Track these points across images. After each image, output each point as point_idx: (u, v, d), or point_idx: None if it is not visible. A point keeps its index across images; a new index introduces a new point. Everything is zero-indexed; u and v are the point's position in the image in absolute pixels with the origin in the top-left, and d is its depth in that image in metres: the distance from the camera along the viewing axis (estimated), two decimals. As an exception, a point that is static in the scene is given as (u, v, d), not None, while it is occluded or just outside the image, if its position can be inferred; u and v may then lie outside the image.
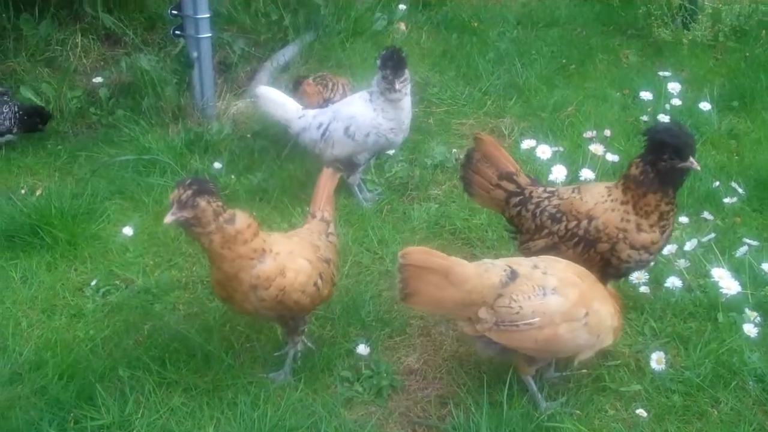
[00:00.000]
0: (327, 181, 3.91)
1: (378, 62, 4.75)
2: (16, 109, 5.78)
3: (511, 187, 3.84)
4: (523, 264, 3.34)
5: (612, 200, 3.57)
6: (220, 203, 3.24)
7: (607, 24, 7.88)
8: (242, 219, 3.29)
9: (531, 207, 3.75)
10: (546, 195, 3.76)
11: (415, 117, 5.93)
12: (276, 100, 5.09)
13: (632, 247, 3.56)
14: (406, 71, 4.78)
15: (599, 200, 3.60)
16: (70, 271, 4.38)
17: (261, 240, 3.33)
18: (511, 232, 3.91)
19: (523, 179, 3.86)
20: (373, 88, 4.81)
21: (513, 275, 3.24)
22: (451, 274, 3.23)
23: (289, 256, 3.38)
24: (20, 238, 4.55)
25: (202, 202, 3.16)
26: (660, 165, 3.48)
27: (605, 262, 3.61)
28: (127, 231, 4.63)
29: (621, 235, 3.54)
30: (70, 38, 7.45)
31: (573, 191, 3.72)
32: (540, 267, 3.31)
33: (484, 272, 3.26)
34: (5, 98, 5.79)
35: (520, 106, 6.19)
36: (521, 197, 3.80)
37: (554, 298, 3.24)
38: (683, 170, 3.52)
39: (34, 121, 5.86)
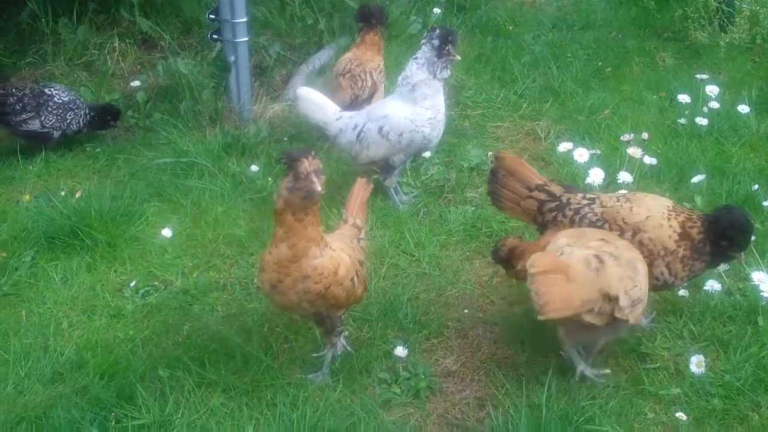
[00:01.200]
0: (360, 190, 3.96)
1: (434, 40, 4.71)
2: (87, 110, 5.92)
3: (544, 196, 3.84)
4: (599, 248, 3.39)
5: (669, 225, 3.59)
6: None
7: (643, 27, 7.82)
8: None
9: (569, 213, 3.74)
10: (586, 202, 3.75)
11: (451, 120, 5.95)
12: (315, 101, 5.09)
13: (668, 267, 3.56)
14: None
15: (654, 215, 3.59)
16: (109, 272, 4.42)
17: (326, 241, 3.39)
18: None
19: (555, 188, 3.85)
20: (412, 77, 4.79)
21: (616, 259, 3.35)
22: (571, 271, 3.28)
23: (339, 252, 3.42)
24: (60, 239, 4.60)
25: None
26: (717, 244, 3.61)
27: None
28: (166, 233, 4.67)
29: (663, 253, 3.54)
30: (108, 42, 7.53)
31: (619, 200, 3.70)
32: (609, 247, 3.40)
33: (600, 264, 3.31)
34: (76, 101, 5.90)
35: (556, 108, 6.17)
36: (557, 203, 3.78)
37: (640, 265, 3.39)
38: (732, 257, 3.71)
39: (105, 120, 6.00)
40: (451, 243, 4.56)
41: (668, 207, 3.66)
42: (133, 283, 4.32)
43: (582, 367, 3.57)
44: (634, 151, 4.96)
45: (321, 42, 7.36)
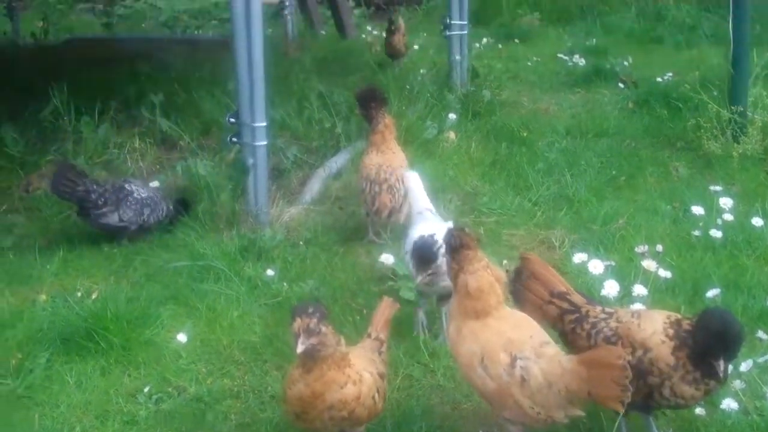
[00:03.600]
0: (387, 308, 4.00)
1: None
2: (164, 205, 6.19)
3: (565, 305, 3.84)
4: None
5: (668, 336, 3.55)
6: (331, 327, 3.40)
7: (656, 136, 7.93)
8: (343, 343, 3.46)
9: (587, 327, 3.73)
10: (604, 316, 3.75)
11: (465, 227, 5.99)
12: (415, 189, 5.12)
13: (671, 389, 3.53)
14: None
15: (657, 330, 3.57)
16: (123, 377, 4.41)
17: (349, 364, 3.42)
18: (564, 344, 3.89)
19: (577, 298, 3.86)
20: None
21: None
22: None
23: (361, 374, 3.45)
24: (76, 341, 4.60)
25: (325, 328, 3.32)
26: (697, 349, 3.46)
27: (650, 393, 3.57)
28: (181, 337, 4.67)
29: (669, 372, 3.51)
30: (128, 142, 7.69)
31: (632, 315, 3.70)
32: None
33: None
34: (154, 197, 6.14)
35: (570, 217, 6.21)
36: (577, 315, 3.79)
37: None
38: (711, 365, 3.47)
39: (178, 211, 6.21)
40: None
41: (668, 317, 3.62)
42: (147, 389, 4.29)
43: None
44: (648, 264, 4.97)
45: (338, 145, 7.48)
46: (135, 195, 6.05)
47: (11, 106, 8.50)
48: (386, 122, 5.98)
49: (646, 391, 3.53)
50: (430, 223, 4.73)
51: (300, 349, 3.25)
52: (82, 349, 4.57)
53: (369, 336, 3.87)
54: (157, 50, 11.81)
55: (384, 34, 10.63)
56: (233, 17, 5.92)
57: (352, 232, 6.07)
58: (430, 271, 4.31)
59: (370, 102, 6.05)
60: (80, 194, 5.94)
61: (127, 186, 6.11)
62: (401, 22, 10.38)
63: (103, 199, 5.95)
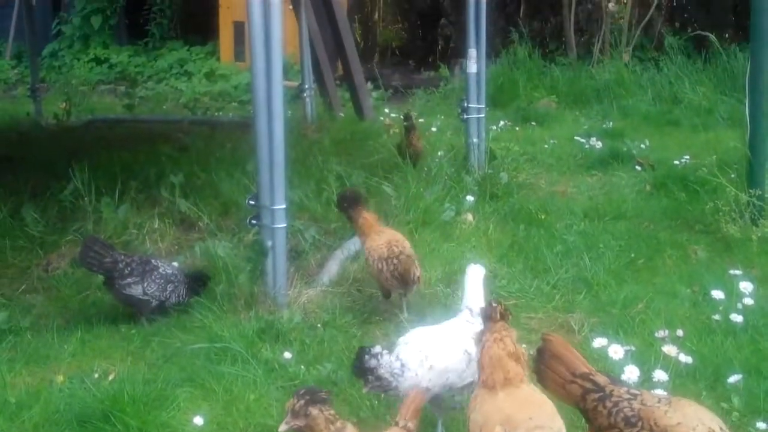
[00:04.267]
0: (417, 397, 3.92)
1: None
2: (186, 283, 6.24)
3: (588, 384, 3.81)
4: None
5: None
6: (332, 412, 3.43)
7: (675, 219, 7.93)
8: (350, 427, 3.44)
9: (609, 405, 3.69)
10: (628, 396, 3.70)
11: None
12: (472, 285, 4.77)
13: None
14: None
15: (686, 424, 3.51)
16: (139, 461, 4.38)
17: None
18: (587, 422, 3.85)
19: (600, 378, 3.82)
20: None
21: None
22: None
23: None
24: (92, 423, 4.56)
25: (314, 411, 3.36)
26: None
27: None
28: (198, 420, 4.63)
29: None
30: (147, 222, 7.72)
31: (660, 401, 3.66)
32: None
33: None
34: (177, 275, 6.24)
35: (589, 301, 6.18)
36: (601, 394, 3.75)
37: None
38: None
39: (198, 287, 6.24)
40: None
41: (711, 419, 3.56)
42: (162, 473, 4.27)
43: None
44: (669, 349, 4.93)
45: (356, 227, 7.49)
46: (160, 270, 6.12)
47: (32, 186, 8.62)
48: (365, 216, 6.07)
49: None
50: (440, 327, 4.62)
51: (281, 428, 3.33)
52: (99, 431, 4.53)
53: (397, 425, 3.77)
54: (178, 131, 12.00)
55: (403, 130, 9.64)
56: (254, 99, 5.99)
57: (370, 314, 6.06)
58: (369, 383, 4.23)
59: (343, 203, 6.24)
60: (107, 265, 6.01)
61: (153, 261, 6.20)
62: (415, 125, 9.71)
63: (129, 269, 6.02)
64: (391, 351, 4.26)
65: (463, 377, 4.34)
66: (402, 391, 4.17)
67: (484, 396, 3.63)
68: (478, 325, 4.18)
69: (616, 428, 3.63)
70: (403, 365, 4.21)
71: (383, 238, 5.96)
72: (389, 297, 6.08)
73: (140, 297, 6.05)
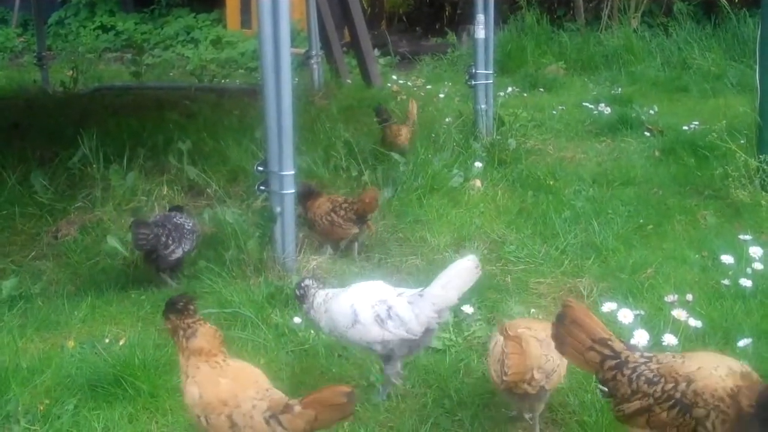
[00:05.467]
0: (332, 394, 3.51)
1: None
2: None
3: (606, 351, 3.81)
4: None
5: (722, 378, 3.49)
6: (188, 320, 3.85)
7: (683, 184, 7.91)
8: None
9: (627, 372, 3.69)
10: (643, 360, 3.71)
11: (492, 275, 5.99)
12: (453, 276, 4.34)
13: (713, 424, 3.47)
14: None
15: (704, 366, 3.53)
16: (151, 424, 4.39)
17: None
18: (603, 393, 3.85)
19: (617, 344, 3.82)
20: None
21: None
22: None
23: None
24: (103, 388, 4.59)
25: (172, 317, 3.89)
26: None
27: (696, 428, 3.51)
28: (208, 384, 4.65)
29: (716, 403, 3.46)
30: (156, 189, 7.72)
31: (674, 356, 3.67)
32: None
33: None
34: (196, 225, 6.39)
35: (598, 266, 6.18)
36: (617, 361, 3.75)
37: None
38: None
39: None
40: (493, 403, 4.49)
41: (727, 363, 3.57)
42: (174, 436, 4.30)
43: None
44: (678, 313, 4.93)
45: (364, 193, 7.49)
46: (186, 226, 6.24)
47: (41, 154, 8.62)
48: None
49: (695, 427, 3.48)
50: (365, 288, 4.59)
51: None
52: (110, 395, 4.56)
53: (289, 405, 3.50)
54: (185, 99, 11.97)
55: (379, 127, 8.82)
56: (262, 67, 5.97)
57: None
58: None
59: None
60: (153, 241, 6.04)
61: (175, 219, 6.26)
62: (413, 107, 8.84)
63: (169, 238, 6.10)
64: (319, 288, 4.60)
65: (351, 335, 4.41)
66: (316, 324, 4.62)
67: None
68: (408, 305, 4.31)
69: (639, 392, 3.63)
70: (312, 302, 4.57)
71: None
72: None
73: (180, 257, 6.17)
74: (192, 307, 3.88)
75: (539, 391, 4.00)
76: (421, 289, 4.35)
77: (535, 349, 3.97)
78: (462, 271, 4.25)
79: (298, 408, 3.43)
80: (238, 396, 3.55)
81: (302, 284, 4.62)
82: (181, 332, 3.81)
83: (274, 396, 3.60)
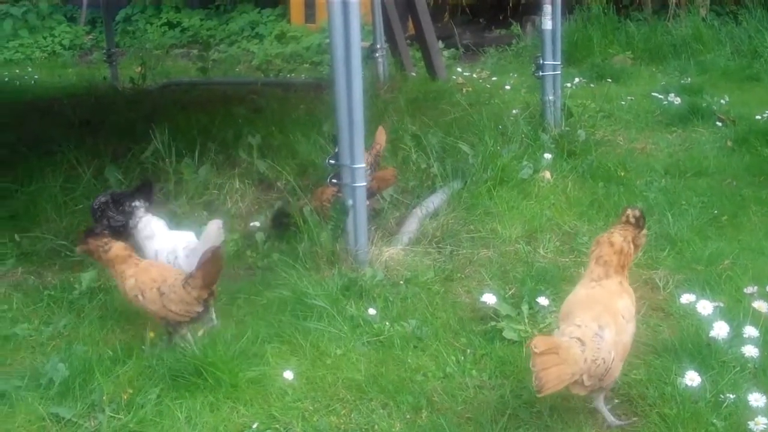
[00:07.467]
0: None
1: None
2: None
3: None
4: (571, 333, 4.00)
5: None
6: (104, 240, 5.14)
7: (758, 174, 7.77)
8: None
9: None
10: None
11: (566, 267, 5.97)
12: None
13: None
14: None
15: None
16: (232, 414, 4.45)
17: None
18: None
19: None
20: None
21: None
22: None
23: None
24: (185, 378, 4.67)
25: (90, 239, 5.18)
26: None
27: None
28: (288, 375, 4.71)
29: None
30: (227, 183, 7.81)
31: None
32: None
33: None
34: None
35: (673, 258, 6.11)
36: None
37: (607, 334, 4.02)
38: None
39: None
40: (572, 395, 4.45)
41: None
42: (254, 425, 4.34)
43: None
44: (759, 305, 4.86)
45: (433, 185, 7.50)
46: None
47: (114, 149, 8.78)
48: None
49: None
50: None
51: (77, 250, 5.54)
52: (191, 385, 4.63)
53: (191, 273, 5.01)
54: (252, 93, 12.09)
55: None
56: (333, 59, 6.00)
57: (452, 271, 6.06)
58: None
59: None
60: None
61: None
62: (381, 134, 7.66)
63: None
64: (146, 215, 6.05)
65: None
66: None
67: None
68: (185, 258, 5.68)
69: None
70: (136, 224, 6.05)
71: None
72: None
73: None
74: (105, 233, 5.38)
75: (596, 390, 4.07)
76: (192, 244, 5.73)
77: (576, 354, 3.86)
78: (211, 233, 5.60)
79: (194, 272, 4.94)
80: (164, 275, 5.04)
81: (133, 204, 6.04)
82: (100, 249, 5.11)
83: (184, 273, 5.06)
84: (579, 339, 3.89)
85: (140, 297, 4.99)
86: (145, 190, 6.27)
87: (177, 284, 4.92)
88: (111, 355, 5.01)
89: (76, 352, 5.02)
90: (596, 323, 3.98)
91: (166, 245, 5.84)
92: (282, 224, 6.57)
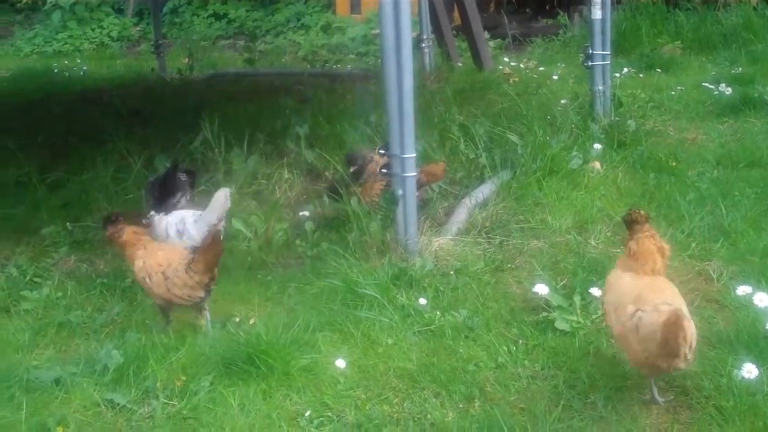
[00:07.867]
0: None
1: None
2: None
3: None
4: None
5: None
6: (119, 226, 5.34)
7: (812, 165, 7.65)
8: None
9: None
10: None
11: (618, 257, 5.88)
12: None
13: None
14: None
15: None
16: (285, 401, 4.47)
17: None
18: None
19: None
20: None
21: None
22: None
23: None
24: (237, 366, 4.70)
25: (108, 226, 5.38)
26: None
27: None
28: (340, 363, 4.72)
29: None
30: (276, 172, 7.85)
31: None
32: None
33: None
34: None
35: (727, 249, 6.02)
36: None
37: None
38: None
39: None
40: (627, 387, 4.44)
41: None
42: (307, 413, 4.36)
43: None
44: (817, 298, 4.79)
45: (482, 176, 7.47)
46: None
47: (163, 139, 8.85)
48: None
49: None
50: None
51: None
52: (244, 373, 4.66)
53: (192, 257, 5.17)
54: (298, 84, 12.12)
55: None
56: (383, 50, 5.99)
57: (501, 262, 6.04)
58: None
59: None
60: None
61: None
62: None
63: None
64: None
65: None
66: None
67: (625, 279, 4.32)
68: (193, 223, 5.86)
69: None
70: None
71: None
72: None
73: None
74: (121, 219, 5.41)
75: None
76: (200, 213, 5.88)
77: (691, 327, 3.98)
78: (219, 200, 5.79)
79: (195, 257, 5.11)
80: (169, 259, 5.16)
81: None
82: (116, 235, 5.32)
83: (188, 257, 5.18)
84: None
85: (147, 280, 5.17)
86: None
87: (180, 268, 5.07)
88: (165, 342, 5.05)
89: (129, 339, 5.09)
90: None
91: (175, 216, 6.01)
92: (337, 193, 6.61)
